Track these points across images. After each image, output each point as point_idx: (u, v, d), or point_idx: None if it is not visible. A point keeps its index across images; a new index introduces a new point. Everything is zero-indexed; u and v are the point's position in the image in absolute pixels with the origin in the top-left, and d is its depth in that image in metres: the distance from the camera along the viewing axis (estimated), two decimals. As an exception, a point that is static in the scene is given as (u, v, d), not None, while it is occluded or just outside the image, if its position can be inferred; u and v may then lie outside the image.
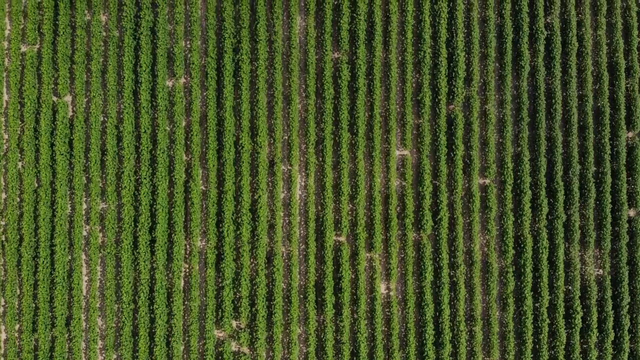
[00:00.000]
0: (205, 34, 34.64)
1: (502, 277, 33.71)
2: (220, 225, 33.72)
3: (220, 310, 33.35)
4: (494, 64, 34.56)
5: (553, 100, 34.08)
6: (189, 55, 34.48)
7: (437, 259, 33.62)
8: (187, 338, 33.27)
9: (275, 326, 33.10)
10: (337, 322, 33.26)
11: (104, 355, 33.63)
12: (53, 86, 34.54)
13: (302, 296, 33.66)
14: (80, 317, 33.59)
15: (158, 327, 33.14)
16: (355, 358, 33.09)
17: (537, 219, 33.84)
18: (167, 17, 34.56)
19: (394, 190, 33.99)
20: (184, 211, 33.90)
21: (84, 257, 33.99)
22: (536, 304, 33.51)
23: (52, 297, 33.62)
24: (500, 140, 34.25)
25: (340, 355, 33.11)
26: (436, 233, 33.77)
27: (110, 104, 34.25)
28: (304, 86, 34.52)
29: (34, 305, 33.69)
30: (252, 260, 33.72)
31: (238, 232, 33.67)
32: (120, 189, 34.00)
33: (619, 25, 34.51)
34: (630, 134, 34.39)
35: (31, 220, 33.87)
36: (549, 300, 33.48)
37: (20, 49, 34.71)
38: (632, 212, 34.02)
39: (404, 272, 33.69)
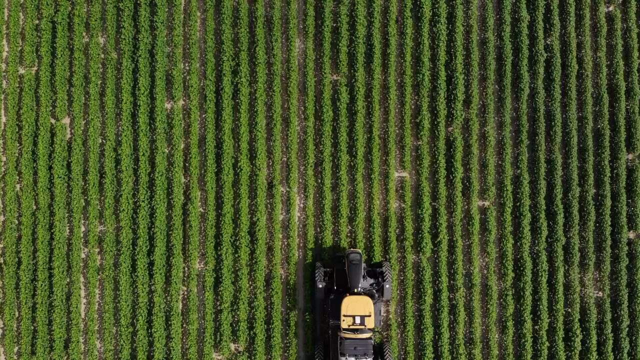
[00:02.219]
0: (204, 57, 35.48)
1: (501, 300, 34.53)
2: (219, 247, 34.55)
3: (218, 333, 34.18)
4: (493, 86, 35.37)
5: (553, 123, 34.90)
6: (188, 78, 35.32)
7: (437, 281, 34.43)
8: (185, 362, 34.14)
9: (274, 349, 33.93)
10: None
11: (102, 378, 34.49)
12: (51, 109, 35.40)
13: (300, 319, 34.44)
14: (79, 340, 34.44)
15: (156, 350, 33.97)
16: (354, 382, 33.90)
17: (536, 241, 34.65)
18: (165, 39, 35.40)
19: (393, 212, 34.80)
20: (182, 234, 34.74)
21: (82, 279, 34.85)
22: (535, 327, 34.32)
23: (50, 320, 34.48)
24: (500, 162, 35.05)
25: (339, 379, 33.91)
26: (435, 255, 34.59)
27: (109, 126, 35.09)
28: (302, 108, 35.35)
29: (32, 328, 34.55)
30: (250, 283, 34.54)
31: (236, 255, 34.51)
32: (118, 211, 34.84)
33: (619, 47, 35.32)
34: (630, 156, 35.19)
35: (29, 243, 34.73)
36: (549, 323, 34.31)
37: (18, 71, 35.58)
38: (632, 235, 34.82)
39: (403, 294, 34.50)
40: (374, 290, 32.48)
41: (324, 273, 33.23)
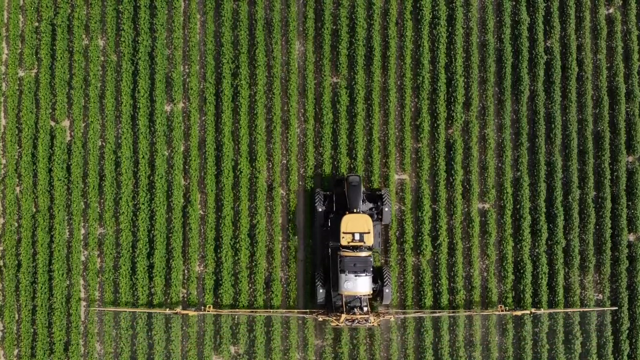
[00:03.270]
0: (203, 59, 35.86)
1: (501, 303, 34.84)
2: (219, 250, 34.94)
3: (218, 335, 34.56)
4: (493, 88, 35.75)
5: (553, 125, 35.27)
6: (188, 80, 35.70)
7: (437, 284, 34.81)
8: (185, 364, 34.52)
9: (274, 352, 34.32)
10: (336, 347, 34.42)
11: (102, 381, 34.86)
12: (51, 111, 35.78)
13: (300, 322, 34.83)
14: (79, 343, 34.83)
15: (156, 352, 34.37)
16: (354, 384, 34.29)
17: (536, 244, 35.03)
18: (165, 42, 35.78)
19: (393, 215, 35.14)
20: (182, 236, 35.13)
21: (82, 282, 35.19)
22: (535, 329, 34.65)
23: (50, 323, 34.86)
24: (500, 164, 35.42)
25: (339, 382, 34.32)
26: (435, 258, 34.97)
27: (108, 129, 35.48)
28: (302, 111, 35.74)
29: (32, 330, 34.94)
30: (250, 285, 34.89)
31: (236, 257, 34.89)
32: (118, 214, 35.22)
33: (619, 49, 35.71)
34: (631, 159, 35.56)
35: (29, 246, 35.11)
36: (549, 326, 34.65)
37: (17, 73, 35.97)
38: (632, 237, 35.22)
39: (403, 297, 34.88)
40: (374, 214, 33.38)
41: (324, 197, 33.94)
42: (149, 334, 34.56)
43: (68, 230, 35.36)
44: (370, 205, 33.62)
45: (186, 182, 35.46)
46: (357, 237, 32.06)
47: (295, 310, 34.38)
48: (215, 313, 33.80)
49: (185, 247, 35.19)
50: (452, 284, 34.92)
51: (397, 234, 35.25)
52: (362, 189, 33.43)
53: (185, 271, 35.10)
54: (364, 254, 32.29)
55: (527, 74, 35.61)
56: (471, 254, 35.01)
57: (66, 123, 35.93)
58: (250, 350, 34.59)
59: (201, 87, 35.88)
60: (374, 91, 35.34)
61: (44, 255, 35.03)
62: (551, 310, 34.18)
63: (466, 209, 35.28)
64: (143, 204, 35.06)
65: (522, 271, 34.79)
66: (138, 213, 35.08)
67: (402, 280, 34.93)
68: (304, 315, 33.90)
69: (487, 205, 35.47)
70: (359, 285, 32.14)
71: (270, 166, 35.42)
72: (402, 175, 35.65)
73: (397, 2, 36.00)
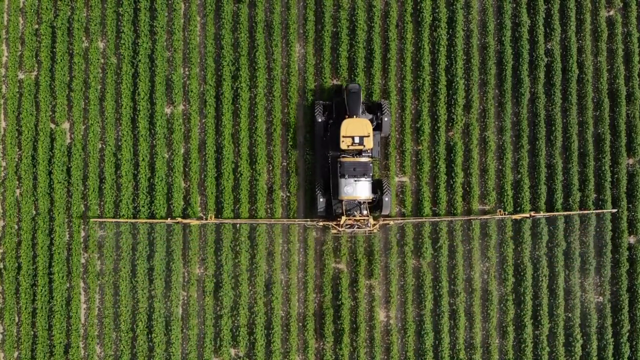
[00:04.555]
0: (203, 61, 36.16)
1: (502, 305, 35.22)
2: (219, 253, 35.26)
3: (218, 338, 34.88)
4: (493, 90, 36.06)
5: (553, 127, 35.59)
6: (188, 83, 36.03)
7: (437, 286, 35.13)
8: (185, 367, 34.85)
9: (274, 355, 34.64)
10: (337, 350, 34.77)
11: (102, 384, 35.19)
12: (51, 113, 36.09)
13: (301, 324, 35.18)
14: (79, 345, 35.16)
15: (156, 355, 34.69)
16: (354, 387, 34.64)
17: (537, 246, 35.33)
18: (165, 44, 36.10)
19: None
20: (182, 239, 35.42)
21: (82, 285, 35.54)
22: (536, 332, 35.03)
23: (50, 325, 35.18)
24: (500, 167, 35.75)
25: (339, 384, 34.66)
26: (436, 261, 35.26)
27: (108, 131, 35.79)
28: (302, 113, 35.99)
29: (32, 333, 35.26)
30: (250, 288, 35.23)
31: (236, 260, 35.20)
32: (118, 216, 35.47)
33: (619, 52, 36.04)
34: (631, 161, 35.88)
35: (29, 248, 35.43)
36: (549, 328, 35.02)
37: (17, 76, 36.27)
38: (632, 240, 35.50)
39: (403, 299, 35.20)
40: (374, 121, 34.05)
41: (324, 107, 34.62)
42: (149, 336, 34.88)
43: (68, 233, 35.68)
44: (370, 116, 34.17)
45: (186, 184, 35.78)
46: (356, 140, 32.64)
47: (297, 219, 34.91)
48: (216, 222, 34.24)
49: (185, 250, 35.51)
50: (452, 287, 35.25)
51: (397, 236, 35.56)
52: (362, 99, 34.03)
53: (185, 274, 35.42)
54: (363, 159, 32.98)
55: (527, 76, 35.93)
56: (471, 256, 35.37)
57: (66, 125, 36.25)
58: (251, 353, 34.91)
59: (201, 89, 36.20)
60: (374, 93, 35.67)
61: (44, 257, 35.36)
62: (550, 214, 34.65)
63: (466, 211, 35.58)
64: (143, 206, 35.38)
65: (522, 274, 35.11)
66: (138, 215, 35.39)
67: (402, 283, 35.25)
68: (305, 223, 34.41)
69: (487, 208, 35.78)
70: (358, 189, 32.83)
71: (271, 168, 35.74)
72: (403, 178, 35.97)
73: (397, 4, 36.33)
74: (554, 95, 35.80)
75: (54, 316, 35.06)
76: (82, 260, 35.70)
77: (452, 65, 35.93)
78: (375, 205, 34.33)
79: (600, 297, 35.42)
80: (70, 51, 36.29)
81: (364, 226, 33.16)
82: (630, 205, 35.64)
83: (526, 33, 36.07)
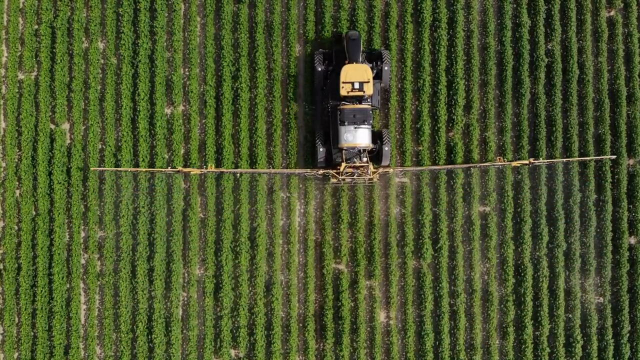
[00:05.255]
0: (203, 62, 36.28)
1: (502, 306, 35.36)
2: (219, 253, 35.40)
3: (218, 339, 35.03)
4: (494, 91, 36.19)
5: (554, 128, 35.70)
6: (188, 83, 36.15)
7: (437, 287, 35.27)
8: (186, 368, 35.00)
9: (274, 355, 34.79)
10: (337, 351, 34.93)
11: (102, 384, 35.34)
12: (50, 114, 36.22)
13: (301, 325, 35.33)
14: (79, 346, 35.31)
15: (156, 356, 34.86)
16: (354, 388, 34.79)
17: (537, 247, 35.49)
18: (165, 44, 36.22)
19: (394, 218, 35.63)
20: (182, 240, 35.58)
21: (82, 285, 35.69)
22: (536, 333, 35.18)
23: (50, 326, 35.34)
24: (500, 167, 35.80)
25: (339, 385, 34.81)
26: (436, 261, 35.43)
27: (108, 132, 35.93)
28: (303, 114, 36.09)
29: (32, 334, 35.42)
30: (250, 289, 35.37)
31: (237, 261, 35.34)
32: (118, 217, 35.63)
33: (620, 52, 36.16)
34: (631, 162, 36.00)
35: (29, 249, 35.57)
36: (549, 329, 35.18)
37: (17, 76, 36.40)
38: (632, 240, 35.66)
39: (403, 300, 35.34)
40: (374, 69, 34.07)
41: (323, 56, 34.69)
42: (150, 337, 35.02)
43: (68, 234, 35.81)
44: (370, 65, 34.17)
45: (186, 185, 35.89)
46: (356, 86, 32.73)
47: (297, 169, 35.07)
48: (217, 171, 34.47)
49: (185, 251, 35.64)
50: (452, 288, 35.38)
51: (397, 237, 35.68)
52: (362, 47, 34.12)
53: (186, 274, 35.55)
54: (363, 105, 33.05)
55: (528, 76, 36.04)
56: (472, 257, 35.52)
57: (66, 126, 36.36)
58: (251, 354, 35.06)
59: (201, 89, 36.31)
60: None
61: (44, 258, 35.49)
62: (550, 161, 34.83)
63: (467, 212, 35.72)
64: (143, 207, 35.50)
65: (522, 274, 35.25)
66: (138, 216, 35.52)
67: (402, 284, 35.39)
68: (305, 173, 34.52)
69: (487, 209, 35.91)
70: (358, 136, 32.96)
71: (271, 169, 35.84)
72: (403, 178, 36.07)
73: (397, 4, 36.43)
74: (555, 95, 35.91)
75: (54, 317, 35.20)
76: (82, 261, 35.83)
77: (453, 66, 36.04)
78: (375, 157, 34.33)
79: (601, 298, 35.55)
80: (70, 52, 36.40)
81: (364, 174, 33.11)
82: (631, 206, 35.75)
83: (527, 33, 36.17)
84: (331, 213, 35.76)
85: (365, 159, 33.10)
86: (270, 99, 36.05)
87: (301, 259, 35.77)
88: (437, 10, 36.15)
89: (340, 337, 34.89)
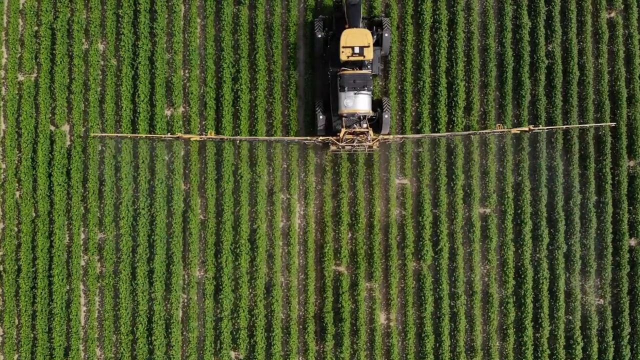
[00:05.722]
0: (204, 63, 36.34)
1: (502, 308, 35.45)
2: (219, 255, 35.47)
3: (218, 341, 35.11)
4: (494, 92, 36.23)
5: (554, 130, 35.71)
6: (188, 85, 36.21)
7: (438, 289, 35.34)
8: (186, 369, 35.06)
9: (275, 357, 34.92)
10: (337, 352, 35.03)
11: (102, 386, 35.42)
12: (50, 115, 36.28)
13: (301, 327, 35.41)
14: (79, 348, 35.39)
15: (157, 358, 34.99)
16: (354, 390, 34.86)
17: (537, 249, 35.56)
18: (165, 46, 36.28)
19: (394, 220, 35.69)
20: (182, 241, 35.66)
21: (82, 287, 35.76)
22: (536, 335, 35.27)
23: (50, 328, 35.43)
24: (501, 169, 35.94)
25: (339, 387, 34.88)
26: (436, 263, 35.50)
27: (109, 133, 35.89)
28: (303, 115, 36.15)
29: (32, 335, 35.51)
30: (250, 290, 35.45)
31: (237, 263, 35.42)
32: (118, 219, 35.73)
33: (620, 54, 36.22)
34: (632, 163, 36.06)
35: (29, 251, 35.64)
36: (550, 331, 35.26)
37: (17, 77, 36.47)
38: (633, 242, 35.74)
39: (404, 302, 35.43)
40: (374, 34, 34.07)
41: (323, 23, 34.70)
42: (149, 339, 35.09)
43: (68, 235, 35.87)
44: (370, 31, 34.11)
45: (186, 186, 35.96)
46: (356, 50, 32.69)
47: (297, 137, 35.14)
48: (217, 138, 34.52)
49: (185, 252, 35.70)
50: (452, 289, 35.44)
51: (397, 238, 35.74)
52: (362, 14, 34.17)
53: (186, 276, 35.62)
54: (363, 71, 33.09)
55: (528, 78, 36.09)
56: (472, 259, 35.58)
57: (66, 127, 36.41)
58: (251, 356, 35.13)
59: (201, 91, 36.36)
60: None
61: (43, 260, 35.56)
62: (549, 128, 34.92)
63: (467, 214, 35.78)
64: (143, 208, 35.57)
65: (523, 276, 35.32)
66: (138, 218, 35.59)
67: (402, 285, 35.46)
68: (305, 141, 34.51)
69: (488, 210, 35.97)
70: (358, 102, 33.00)
71: (271, 171, 35.91)
72: (403, 180, 36.14)
73: (398, 6, 36.46)
74: (555, 97, 35.96)
75: (53, 319, 35.26)
76: (82, 263, 35.89)
77: (453, 67, 36.09)
78: (375, 126, 34.33)
79: (601, 300, 35.62)
80: (70, 53, 36.45)
81: (363, 141, 33.11)
82: (631, 208, 35.81)
83: (527, 35, 36.22)
84: (331, 214, 35.82)
85: (365, 125, 33.06)
86: (271, 100, 36.06)
87: (301, 261, 35.84)
88: (438, 12, 36.19)
89: (341, 339, 34.96)
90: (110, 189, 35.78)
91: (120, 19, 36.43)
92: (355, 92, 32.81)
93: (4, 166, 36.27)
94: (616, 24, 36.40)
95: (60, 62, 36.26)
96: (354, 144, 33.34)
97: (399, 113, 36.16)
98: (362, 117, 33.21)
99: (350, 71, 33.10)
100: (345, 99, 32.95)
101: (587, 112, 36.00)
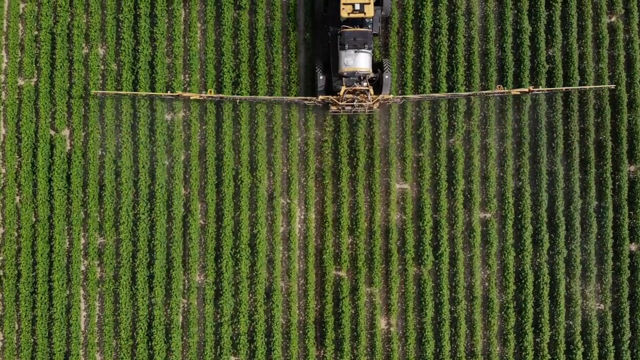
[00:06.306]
0: (204, 68, 36.39)
1: (502, 313, 35.52)
2: (219, 260, 35.52)
3: (219, 346, 35.16)
4: (494, 97, 36.22)
5: (554, 134, 35.81)
6: (188, 89, 36.24)
7: (438, 294, 35.41)
8: (186, 374, 35.12)
9: (275, 362, 34.93)
10: (337, 358, 35.14)
11: (102, 391, 35.47)
12: (50, 120, 36.33)
13: (301, 332, 35.46)
14: (79, 353, 35.45)
15: (157, 362, 34.96)
16: (355, 395, 34.91)
17: (538, 254, 35.63)
18: (165, 50, 36.34)
19: (394, 225, 35.75)
20: (183, 246, 35.71)
21: (82, 292, 35.81)
22: (537, 340, 35.33)
23: (50, 333, 35.45)
24: (501, 174, 36.01)
25: (340, 392, 34.94)
26: (437, 268, 35.56)
27: (109, 138, 36.00)
28: (303, 119, 36.22)
29: (32, 340, 35.56)
30: (250, 295, 35.50)
31: (237, 268, 35.47)
32: (118, 224, 35.77)
33: (621, 58, 36.31)
34: (632, 168, 36.13)
35: (29, 256, 35.69)
36: (550, 336, 35.34)
37: (17, 82, 36.52)
38: (633, 247, 35.81)
39: (404, 307, 35.49)
40: None
41: None
42: (150, 344, 35.14)
43: (68, 240, 35.91)
44: None
45: (186, 191, 36.01)
46: (357, 7, 32.64)
47: (296, 97, 35.20)
48: (217, 97, 34.69)
49: (185, 257, 35.75)
50: (453, 294, 35.51)
51: (398, 243, 35.80)
52: None
53: (186, 281, 35.67)
54: (364, 28, 33.10)
55: (528, 82, 36.12)
56: (472, 263, 35.66)
57: (66, 132, 36.46)
58: (251, 361, 35.24)
59: (201, 96, 36.43)
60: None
61: (43, 265, 35.60)
62: (550, 89, 35.01)
63: (467, 219, 35.85)
64: (143, 213, 35.62)
65: (523, 281, 35.38)
66: (138, 223, 35.63)
67: (403, 290, 35.52)
68: (305, 101, 34.62)
69: (488, 215, 36.04)
70: (358, 60, 32.99)
71: (271, 175, 35.97)
72: (404, 185, 36.20)
73: (398, 10, 36.50)
74: (555, 101, 36.02)
75: (54, 324, 35.30)
76: (82, 268, 35.94)
77: (453, 72, 36.14)
78: (375, 87, 34.33)
79: (602, 305, 35.68)
80: (70, 57, 36.49)
81: (364, 101, 33.09)
82: (632, 213, 35.88)
83: (527, 39, 36.28)
84: (331, 219, 35.87)
85: (365, 83, 33.07)
86: (271, 104, 36.11)
87: (301, 266, 35.90)
88: (438, 17, 36.24)
89: (341, 344, 35.01)
90: (111, 193, 35.83)
91: (120, 23, 36.48)
92: (356, 50, 32.84)
93: (4, 171, 36.31)
94: (617, 28, 36.46)
95: (61, 66, 36.30)
96: (354, 103, 33.32)
97: (399, 117, 36.12)
98: (362, 77, 33.20)
99: (350, 29, 33.08)
100: (345, 57, 32.95)
101: (588, 117, 36.06)
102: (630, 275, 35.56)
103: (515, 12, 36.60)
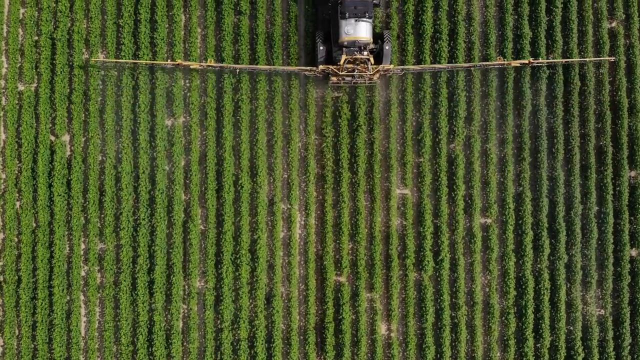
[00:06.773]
0: (204, 73, 36.33)
1: (503, 318, 35.56)
2: (219, 265, 35.56)
3: (219, 352, 35.21)
4: (495, 103, 36.27)
5: (555, 140, 35.92)
6: (188, 95, 36.28)
7: (438, 299, 35.43)
8: (186, 380, 35.15)
9: (275, 368, 34.96)
10: (337, 363, 35.10)
11: (103, 397, 35.49)
12: (51, 126, 36.36)
13: (302, 337, 35.49)
14: (79, 359, 35.51)
15: (157, 368, 34.98)
16: (355, 401, 34.95)
17: (538, 259, 35.68)
18: (165, 56, 36.32)
19: (395, 230, 35.78)
20: (183, 252, 35.74)
21: (82, 298, 35.84)
22: (537, 345, 35.37)
23: (50, 339, 35.49)
24: (502, 179, 36.03)
25: (340, 398, 34.98)
26: (437, 273, 35.60)
27: (109, 143, 36.08)
28: (303, 125, 36.26)
29: (32, 346, 35.59)
30: (251, 301, 35.54)
31: (237, 273, 35.51)
32: (118, 229, 35.80)
33: (621, 64, 36.32)
34: (633, 173, 36.16)
35: (29, 261, 35.72)
36: (551, 341, 35.39)
37: (17, 87, 36.53)
38: (634, 252, 35.83)
39: (404, 312, 35.53)
40: None
41: None
42: (150, 349, 35.17)
43: (68, 246, 35.95)
44: None
45: (187, 197, 36.04)
46: None
47: (297, 67, 35.41)
48: (217, 66, 34.82)
49: (185, 263, 35.79)
50: (453, 300, 35.53)
51: (398, 249, 35.84)
52: None
53: (186, 287, 35.70)
54: None
55: (529, 88, 36.16)
56: (473, 269, 35.71)
57: (66, 138, 36.49)
58: (252, 366, 35.26)
59: (202, 101, 36.44)
60: (376, 105, 35.92)
61: (44, 270, 35.63)
62: (550, 61, 35.23)
63: (468, 224, 35.88)
64: (143, 219, 35.65)
65: (524, 287, 35.41)
66: (138, 228, 35.67)
67: (403, 296, 35.55)
68: (305, 72, 34.80)
69: (489, 221, 36.08)
70: (359, 29, 33.26)
71: (272, 181, 36.01)
72: (404, 190, 36.24)
73: (398, 16, 36.54)
74: (556, 107, 36.06)
75: (54, 329, 35.34)
76: (83, 273, 35.97)
77: (454, 77, 36.17)
78: (375, 59, 34.40)
79: (602, 310, 35.73)
80: (70, 63, 36.52)
81: (364, 71, 33.21)
82: (632, 218, 35.92)
83: (528, 45, 36.30)
84: (332, 225, 35.91)
85: (365, 52, 33.16)
86: (271, 110, 36.11)
87: (302, 271, 35.94)
88: (438, 22, 36.26)
89: (341, 349, 35.05)
90: (111, 199, 35.87)
91: (120, 28, 36.51)
92: (356, 19, 33.07)
93: (4, 176, 36.34)
94: (617, 33, 36.49)
95: (61, 72, 36.34)
96: (354, 74, 33.43)
97: (400, 123, 36.15)
98: (363, 46, 33.33)
99: None
100: (346, 26, 33.16)
101: (588, 122, 36.09)
102: (630, 281, 35.61)
103: (516, 17, 36.55)
